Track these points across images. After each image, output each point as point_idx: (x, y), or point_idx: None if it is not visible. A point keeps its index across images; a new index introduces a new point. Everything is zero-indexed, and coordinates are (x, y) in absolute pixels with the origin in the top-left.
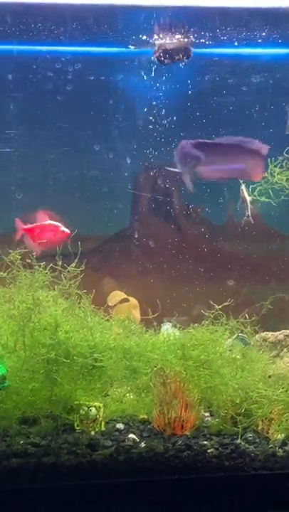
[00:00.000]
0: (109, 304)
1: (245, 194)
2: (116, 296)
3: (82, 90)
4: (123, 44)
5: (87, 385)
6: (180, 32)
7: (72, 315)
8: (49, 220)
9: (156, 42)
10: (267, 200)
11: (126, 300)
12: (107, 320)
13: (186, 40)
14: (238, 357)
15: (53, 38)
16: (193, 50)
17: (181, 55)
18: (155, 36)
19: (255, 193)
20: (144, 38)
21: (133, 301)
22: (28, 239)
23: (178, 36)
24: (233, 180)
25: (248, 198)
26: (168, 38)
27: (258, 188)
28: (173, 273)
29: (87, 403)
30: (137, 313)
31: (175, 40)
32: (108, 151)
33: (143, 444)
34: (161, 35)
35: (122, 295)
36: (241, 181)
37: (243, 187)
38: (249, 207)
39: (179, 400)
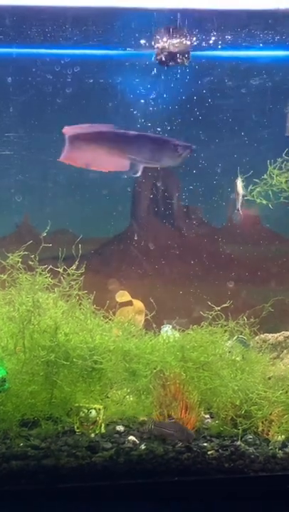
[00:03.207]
0: (118, 300)
1: (239, 188)
2: (123, 295)
3: (82, 93)
4: (123, 47)
5: (86, 387)
6: (181, 34)
7: (72, 317)
8: None
9: (158, 44)
10: (266, 202)
11: (130, 303)
12: (107, 322)
13: (186, 42)
14: (237, 359)
15: (52, 41)
16: (191, 52)
17: (183, 58)
18: (156, 39)
19: (254, 193)
20: (145, 40)
21: (138, 305)
22: None
23: (179, 39)
24: (234, 180)
25: (241, 192)
26: (169, 41)
27: (256, 190)
28: (172, 275)
29: (87, 405)
30: (140, 318)
31: (176, 43)
32: None
33: (143, 446)
34: (161, 38)
35: (128, 295)
36: (239, 175)
37: (238, 181)
38: (240, 201)
39: (179, 401)
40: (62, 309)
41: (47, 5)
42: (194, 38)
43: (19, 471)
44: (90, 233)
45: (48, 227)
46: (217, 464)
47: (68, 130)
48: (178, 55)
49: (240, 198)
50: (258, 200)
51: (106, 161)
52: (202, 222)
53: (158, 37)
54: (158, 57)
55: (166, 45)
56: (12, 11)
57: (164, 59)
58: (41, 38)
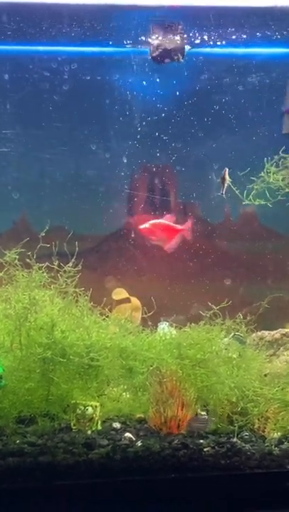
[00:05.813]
0: (114, 297)
1: (227, 176)
2: (120, 293)
3: (79, 90)
4: (119, 44)
5: (83, 384)
6: (176, 31)
7: (69, 314)
8: None
9: (153, 41)
10: (264, 202)
11: (127, 300)
12: (104, 319)
13: (181, 39)
14: (234, 356)
15: (49, 38)
16: (187, 49)
17: (179, 55)
18: (151, 35)
19: (252, 193)
20: (141, 37)
21: (135, 302)
22: None
23: (174, 36)
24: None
25: (228, 180)
26: (164, 38)
27: (255, 187)
28: (169, 272)
29: (84, 402)
30: (137, 315)
31: (171, 40)
32: (105, 150)
33: (139, 443)
34: (157, 35)
35: (125, 293)
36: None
37: (227, 170)
38: (226, 186)
39: (175, 398)
40: (59, 306)
41: (43, 2)
42: (190, 35)
43: (16, 468)
44: (86, 230)
45: (47, 226)
46: (213, 461)
47: None
48: (172, 52)
49: (226, 184)
50: (257, 202)
51: None
52: (199, 219)
53: (152, 34)
54: (153, 54)
55: (160, 42)
56: (9, 8)
57: (158, 56)
58: (38, 34)
